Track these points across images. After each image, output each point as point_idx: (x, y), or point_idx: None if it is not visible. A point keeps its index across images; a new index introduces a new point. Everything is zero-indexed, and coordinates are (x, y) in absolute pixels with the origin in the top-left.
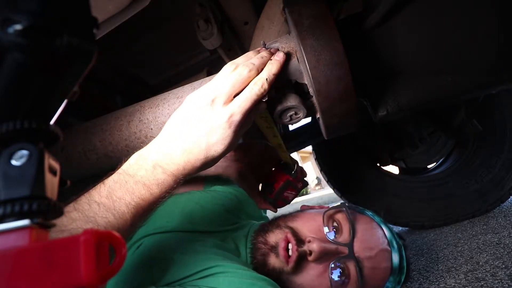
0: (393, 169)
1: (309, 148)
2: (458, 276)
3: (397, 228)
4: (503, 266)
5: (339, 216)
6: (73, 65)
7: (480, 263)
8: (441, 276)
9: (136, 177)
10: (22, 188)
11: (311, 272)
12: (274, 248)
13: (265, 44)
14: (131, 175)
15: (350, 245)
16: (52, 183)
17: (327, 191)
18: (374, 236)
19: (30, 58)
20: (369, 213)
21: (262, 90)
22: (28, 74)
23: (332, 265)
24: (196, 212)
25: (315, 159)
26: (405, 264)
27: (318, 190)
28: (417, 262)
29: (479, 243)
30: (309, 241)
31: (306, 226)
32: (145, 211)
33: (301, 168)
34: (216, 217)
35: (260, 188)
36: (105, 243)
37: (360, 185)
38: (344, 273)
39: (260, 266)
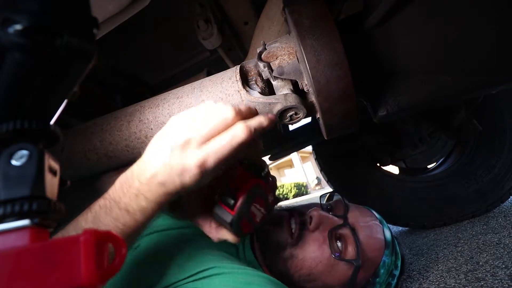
0: (393, 169)
1: (309, 148)
2: (458, 276)
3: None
4: (503, 266)
5: (334, 200)
6: (73, 65)
7: (480, 263)
8: (441, 276)
9: (121, 204)
10: (22, 188)
11: (312, 243)
12: (278, 222)
13: (265, 44)
14: (116, 201)
15: (344, 216)
16: (52, 183)
17: (327, 191)
18: (365, 213)
19: (30, 58)
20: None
21: (244, 138)
22: (28, 74)
23: (330, 231)
24: None
25: (315, 159)
26: (398, 249)
27: (318, 190)
28: (417, 262)
29: (479, 243)
30: (308, 212)
31: (306, 206)
32: (129, 237)
33: (273, 177)
34: None
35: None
36: (105, 243)
37: (360, 185)
38: (341, 239)
39: (263, 242)
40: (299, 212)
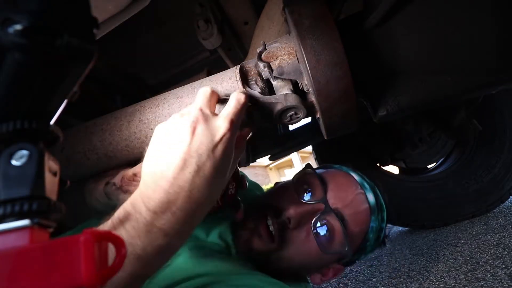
0: (393, 169)
1: (309, 148)
2: (458, 276)
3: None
4: (503, 266)
5: (308, 177)
6: (73, 65)
7: (480, 263)
8: (441, 276)
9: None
10: (22, 188)
11: (297, 240)
12: (255, 231)
13: (265, 44)
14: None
15: (324, 200)
16: (52, 183)
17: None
18: (345, 184)
19: (30, 58)
20: (336, 166)
21: (246, 99)
22: (28, 74)
23: (314, 224)
24: None
25: (315, 159)
26: (382, 201)
27: None
28: (417, 262)
29: (479, 243)
30: (285, 210)
31: (280, 198)
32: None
33: (242, 175)
34: None
35: None
36: (105, 243)
37: None
38: (327, 228)
39: (246, 254)
40: (275, 210)
